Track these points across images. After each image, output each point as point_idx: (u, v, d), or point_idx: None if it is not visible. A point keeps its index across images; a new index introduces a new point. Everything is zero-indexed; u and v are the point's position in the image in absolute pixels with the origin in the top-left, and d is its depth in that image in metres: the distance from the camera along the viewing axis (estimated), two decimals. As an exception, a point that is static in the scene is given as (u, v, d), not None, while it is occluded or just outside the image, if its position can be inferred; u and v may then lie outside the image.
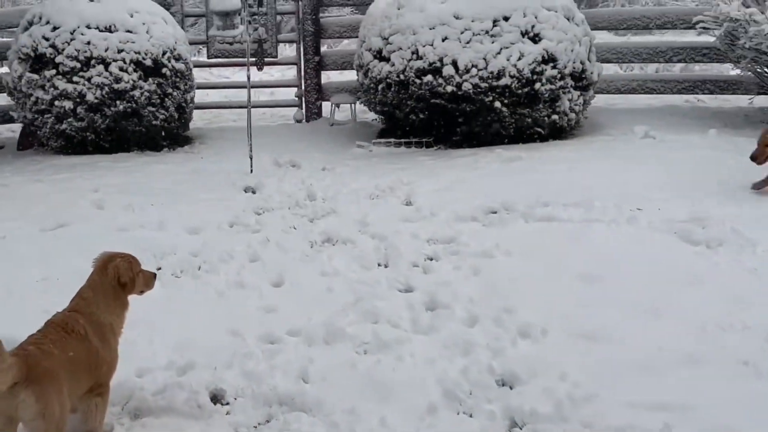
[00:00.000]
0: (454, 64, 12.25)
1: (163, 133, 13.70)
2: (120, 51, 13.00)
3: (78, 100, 12.85)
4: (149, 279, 5.29)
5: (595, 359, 5.46)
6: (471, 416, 5.02)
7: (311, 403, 5.19)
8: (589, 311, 6.16)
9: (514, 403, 5.03)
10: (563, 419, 4.83)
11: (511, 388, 5.29)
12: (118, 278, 4.94)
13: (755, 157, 8.67)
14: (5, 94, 14.14)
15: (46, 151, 13.63)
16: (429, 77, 12.40)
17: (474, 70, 12.18)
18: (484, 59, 12.18)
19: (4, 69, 15.02)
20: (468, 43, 12.28)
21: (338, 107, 15.90)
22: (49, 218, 9.04)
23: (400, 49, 12.67)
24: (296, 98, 16.55)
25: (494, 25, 12.31)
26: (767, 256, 6.85)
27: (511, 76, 12.16)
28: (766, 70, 13.39)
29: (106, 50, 12.91)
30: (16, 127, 15.08)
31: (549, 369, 5.38)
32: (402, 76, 12.67)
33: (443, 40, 12.34)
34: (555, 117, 12.64)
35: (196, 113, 15.47)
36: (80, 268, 7.50)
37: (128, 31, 13.15)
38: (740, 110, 14.86)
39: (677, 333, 5.70)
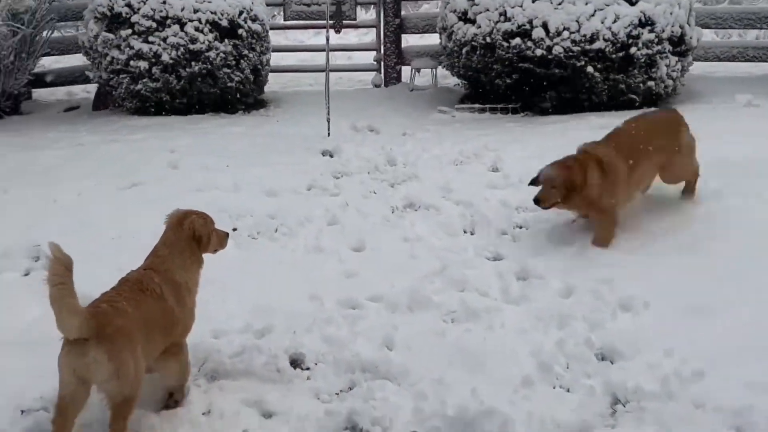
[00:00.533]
0: (545, 26, 11.87)
1: (238, 96, 13.65)
2: (196, 11, 12.97)
3: (153, 60, 12.87)
4: (222, 238, 5.19)
5: (705, 335, 5.16)
6: (569, 391, 4.79)
7: (396, 372, 5.03)
8: (696, 284, 5.82)
9: (616, 379, 4.79)
10: (670, 397, 4.57)
11: (611, 362, 5.04)
12: (194, 234, 4.84)
13: (539, 201, 6.80)
14: (81, 54, 14.24)
15: (121, 111, 13.72)
16: (517, 40, 12.05)
17: (566, 33, 11.78)
18: (577, 21, 11.77)
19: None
20: (560, 4, 11.88)
21: (419, 72, 15.63)
22: (124, 177, 9.06)
23: (487, 10, 12.33)
24: (375, 62, 16.33)
25: (588, -14, 11.90)
26: None
27: (605, 40, 11.72)
28: None
29: (182, 10, 12.90)
30: (92, 88, 15.23)
31: (653, 344, 5.11)
32: (488, 39, 12.32)
33: (533, 1, 11.97)
34: (651, 83, 12.16)
35: (271, 77, 15.38)
36: (154, 228, 7.47)
37: (204, -9, 13.13)
38: None
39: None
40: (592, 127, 10.82)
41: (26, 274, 6.71)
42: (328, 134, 11.26)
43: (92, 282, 6.20)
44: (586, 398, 4.65)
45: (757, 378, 4.60)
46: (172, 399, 4.76)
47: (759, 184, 7.47)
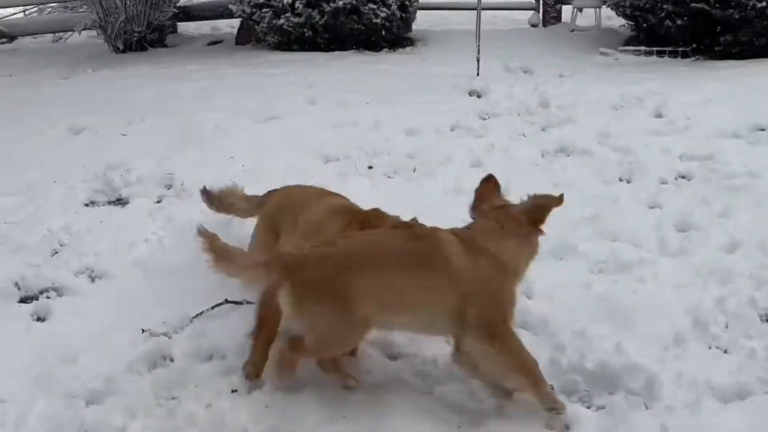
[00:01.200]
0: (723, -39, 11.26)
1: (383, 33, 13.62)
2: (338, -60, 12.98)
3: (297, -6, 13.01)
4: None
5: None
6: (726, 352, 4.51)
7: (534, 321, 4.86)
8: None
9: (781, 345, 4.47)
10: None
11: (781, 327, 4.71)
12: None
13: None
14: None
15: (263, 46, 13.96)
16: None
17: (747, -31, 11.14)
18: (762, -46, 11.10)
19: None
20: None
21: (581, 11, 15.18)
22: (260, 111, 9.21)
23: (659, -59, 11.80)
24: (533, 1, 15.96)
25: None
26: None
27: (792, -23, 11.03)
28: None
29: (326, -60, 12.94)
30: (235, 23, 15.58)
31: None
32: (664, -23, 11.82)
33: (713, -68, 11.36)
34: None
35: (420, 15, 15.29)
36: (288, 161, 7.66)
37: None
38: None
39: None
40: (773, 73, 10.28)
41: (158, 201, 6.91)
42: (477, 74, 11.09)
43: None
44: (746, 360, 4.37)
45: None
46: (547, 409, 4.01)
47: None
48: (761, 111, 8.40)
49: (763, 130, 7.99)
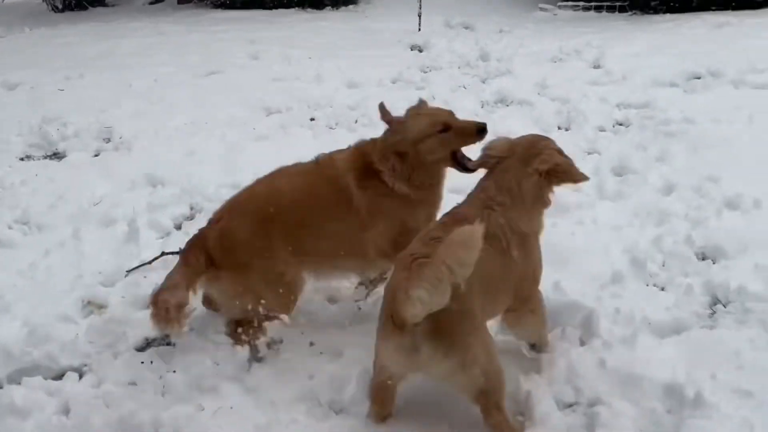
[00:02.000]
0: None
1: (327, -9, 13.35)
2: None
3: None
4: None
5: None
6: (663, 290, 4.44)
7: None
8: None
9: (717, 279, 4.41)
10: (782, 300, 4.19)
11: (713, 262, 4.65)
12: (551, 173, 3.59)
13: None
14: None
15: (206, 5, 13.63)
16: (628, -70, 11.40)
17: None
18: None
19: None
20: None
21: (520, -31, 15.04)
22: (202, 66, 8.98)
23: None
24: (474, -41, 15.77)
25: None
26: None
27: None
28: None
29: None
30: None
31: (762, 244, 4.69)
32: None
33: None
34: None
35: (363, -27, 15.02)
36: (229, 114, 7.46)
37: None
38: None
39: None
40: (707, 25, 10.28)
41: (96, 155, 6.67)
42: (419, 29, 10.96)
43: (163, 164, 6.23)
44: (684, 297, 4.30)
45: None
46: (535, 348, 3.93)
47: None
48: (696, 60, 8.37)
49: (699, 78, 7.95)
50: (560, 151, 3.70)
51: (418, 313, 2.98)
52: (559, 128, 7.04)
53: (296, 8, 13.12)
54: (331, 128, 7.16)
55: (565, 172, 3.60)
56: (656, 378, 3.62)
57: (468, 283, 3.06)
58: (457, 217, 3.50)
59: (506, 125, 7.00)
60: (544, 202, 3.66)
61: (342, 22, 11.93)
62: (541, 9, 12.70)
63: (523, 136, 3.78)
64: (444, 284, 2.93)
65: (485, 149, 3.75)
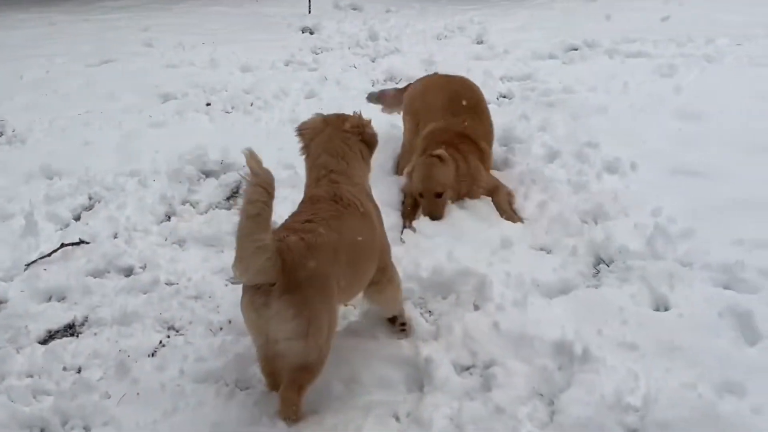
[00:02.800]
0: None
1: (218, -24, 13.02)
2: None
3: (127, -63, 12.28)
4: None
5: (693, 195, 4.84)
6: (550, 252, 4.51)
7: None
8: (685, 147, 5.51)
9: (599, 239, 4.50)
10: (657, 256, 4.29)
11: (595, 223, 4.74)
12: (365, 135, 3.81)
13: (439, 216, 4.92)
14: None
15: (96, -7, 13.16)
16: None
17: None
18: None
19: None
20: None
21: (405, -49, 15.00)
22: (95, 55, 8.67)
23: None
24: (359, -58, 15.65)
25: None
26: None
27: None
28: None
29: None
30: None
31: (639, 204, 4.80)
32: None
33: None
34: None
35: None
36: (124, 102, 7.23)
37: None
38: None
39: (789, 169, 5.04)
40: (582, -1, 10.45)
41: (-11, 149, 6.38)
42: (309, 12, 10.84)
43: (59, 154, 5.99)
44: (569, 258, 4.38)
45: (747, 234, 4.32)
46: (399, 324, 3.87)
47: (747, 47, 7.13)
48: (573, 33, 8.51)
49: (576, 49, 8.09)
50: (357, 116, 3.86)
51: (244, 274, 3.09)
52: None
53: (189, -5, 12.76)
54: (227, 112, 7.03)
55: (372, 133, 3.83)
56: (547, 337, 3.68)
57: (326, 253, 3.22)
58: (314, 199, 3.55)
59: (397, 102, 7.01)
60: (367, 166, 3.82)
61: (234, 8, 11.70)
62: (426, -12, 12.69)
63: (321, 115, 3.89)
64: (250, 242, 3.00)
65: (300, 129, 3.87)
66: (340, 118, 3.82)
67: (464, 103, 5.49)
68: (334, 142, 3.72)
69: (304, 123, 3.87)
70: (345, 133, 3.75)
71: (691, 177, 5.07)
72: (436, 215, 4.87)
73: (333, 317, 3.31)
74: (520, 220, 4.88)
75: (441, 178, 4.90)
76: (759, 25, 8.14)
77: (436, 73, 6.27)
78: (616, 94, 6.67)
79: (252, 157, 3.00)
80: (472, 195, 5.10)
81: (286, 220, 3.50)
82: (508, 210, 4.99)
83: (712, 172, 5.11)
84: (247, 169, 2.97)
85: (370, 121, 3.87)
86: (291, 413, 3.27)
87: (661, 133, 5.77)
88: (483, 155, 5.31)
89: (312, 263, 3.16)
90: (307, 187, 3.70)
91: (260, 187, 2.97)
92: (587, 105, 6.45)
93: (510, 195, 5.11)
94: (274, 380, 3.41)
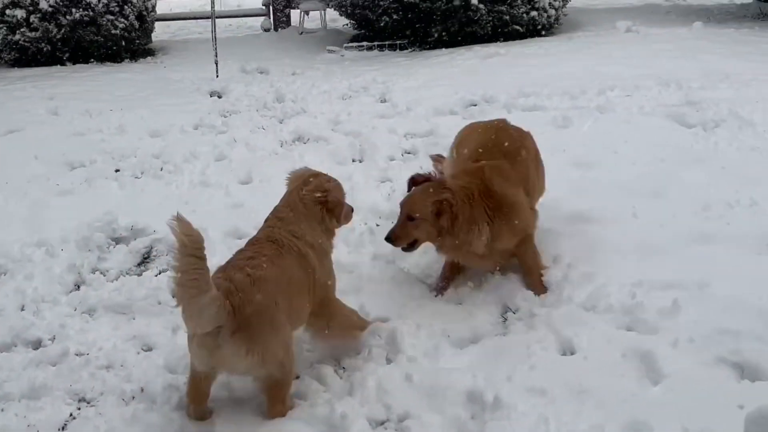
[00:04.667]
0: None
1: (123, 44, 12.87)
2: (74, -45, 12.15)
3: (31, 8, 12.05)
4: (348, 212, 4.19)
5: (591, 241, 4.93)
6: (460, 303, 4.53)
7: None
8: (581, 195, 5.62)
9: (506, 288, 4.55)
10: (561, 302, 4.36)
11: (501, 273, 4.77)
12: (322, 200, 3.96)
13: (394, 239, 4.48)
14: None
15: (1, 64, 12.85)
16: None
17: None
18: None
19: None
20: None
21: (307, 14, 15.15)
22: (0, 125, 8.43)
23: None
24: (263, 7, 15.75)
25: None
26: (768, 135, 6.34)
27: (487, -28, 11.50)
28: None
29: (58, -46, 12.07)
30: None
31: (540, 252, 4.84)
32: (374, -25, 11.97)
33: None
34: (534, 13, 12.01)
35: (159, 26, 14.72)
36: (33, 172, 7.03)
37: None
38: (722, 7, 14.34)
39: (680, 212, 5.18)
40: (478, 57, 10.71)
41: None
42: (217, 76, 10.80)
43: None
44: (477, 308, 4.41)
45: (645, 276, 4.43)
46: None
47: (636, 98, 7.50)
48: (472, 89, 8.67)
49: (475, 105, 8.23)
50: (329, 181, 4.12)
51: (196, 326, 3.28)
52: (353, 160, 7.09)
53: (94, 62, 12.57)
54: (137, 177, 6.90)
55: (334, 200, 4.01)
56: (458, 386, 3.69)
57: (270, 284, 3.48)
58: (254, 240, 3.91)
59: (305, 161, 6.99)
60: (327, 228, 4.03)
61: (141, 74, 11.57)
62: (329, 51, 12.85)
63: (305, 170, 4.23)
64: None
65: (288, 178, 4.18)
66: (305, 180, 4.06)
67: (501, 148, 4.79)
68: (293, 196, 4.01)
69: (290, 174, 4.22)
70: (301, 193, 3.98)
71: (588, 223, 5.17)
72: (395, 239, 4.39)
73: (285, 337, 3.55)
74: (544, 291, 4.49)
75: (422, 203, 4.37)
76: (646, 77, 8.43)
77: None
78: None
79: (180, 224, 3.13)
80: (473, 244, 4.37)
81: (230, 259, 3.73)
82: (533, 276, 4.56)
83: (608, 217, 5.23)
84: (173, 239, 3.09)
85: (335, 188, 4.09)
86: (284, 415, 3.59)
87: (559, 182, 5.84)
88: (495, 199, 4.44)
89: (258, 296, 3.39)
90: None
91: (192, 257, 3.13)
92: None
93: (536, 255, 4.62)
94: (195, 396, 3.62)
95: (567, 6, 12.96)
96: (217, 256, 5.20)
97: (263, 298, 3.41)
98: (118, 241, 5.62)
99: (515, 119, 7.48)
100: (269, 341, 3.42)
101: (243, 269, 3.49)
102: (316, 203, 3.95)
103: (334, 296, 4.07)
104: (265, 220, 4.01)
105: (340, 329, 4.03)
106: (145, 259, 5.39)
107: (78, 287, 5.01)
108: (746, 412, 2.85)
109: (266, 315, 3.42)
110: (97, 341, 4.35)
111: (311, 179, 4.05)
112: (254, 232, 5.46)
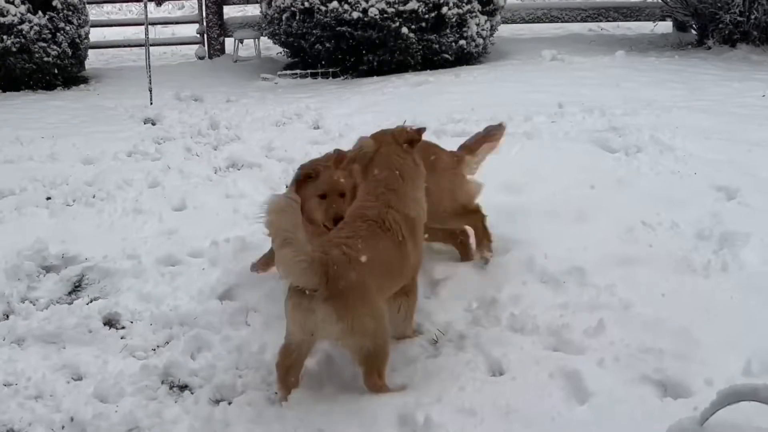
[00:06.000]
0: (360, -12, 11.65)
1: (56, 71, 12.69)
2: (4, -19, 11.93)
3: (-40, 35, 11.80)
4: None
5: (519, 263, 4.99)
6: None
7: (217, 322, 4.63)
8: (510, 219, 5.63)
9: (436, 312, 4.56)
10: (489, 323, 4.39)
11: (428, 298, 4.78)
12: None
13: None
14: None
15: (-74, 93, 12.52)
16: (335, 3, 11.80)
17: (380, -5, 11.61)
18: (390, -17, 11.62)
19: None
20: (372, -33, 11.69)
21: (242, 43, 15.11)
22: None
23: (305, -26, 12.00)
24: (198, 35, 15.68)
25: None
26: (688, 160, 6.47)
27: (418, 1, 11.62)
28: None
29: (-12, -20, 11.84)
30: None
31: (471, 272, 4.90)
32: (307, 4, 12.03)
33: (347, -35, 11.72)
34: (462, 42, 12.20)
35: (92, 54, 14.55)
36: None
37: (13, -40, 12.07)
38: (644, 36, 14.75)
39: (604, 235, 5.26)
40: (409, 84, 10.83)
41: None
42: (151, 103, 10.70)
43: None
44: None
45: (571, 298, 4.49)
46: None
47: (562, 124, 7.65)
48: (402, 115, 8.61)
49: (404, 132, 8.26)
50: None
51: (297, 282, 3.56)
52: (286, 186, 7.02)
53: (26, 90, 12.33)
54: (68, 205, 6.75)
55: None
56: (390, 408, 3.66)
57: (365, 266, 3.68)
58: (362, 217, 3.98)
59: (239, 188, 6.98)
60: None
61: (74, 101, 11.41)
62: (263, 78, 12.84)
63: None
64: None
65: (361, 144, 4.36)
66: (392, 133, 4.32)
67: None
68: (392, 158, 4.17)
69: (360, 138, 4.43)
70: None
71: (516, 247, 5.22)
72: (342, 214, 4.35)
73: (378, 311, 3.76)
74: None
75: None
76: (570, 104, 8.58)
77: None
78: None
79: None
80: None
81: (331, 233, 4.02)
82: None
83: (536, 241, 5.29)
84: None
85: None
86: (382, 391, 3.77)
87: (487, 208, 5.92)
88: None
89: (352, 274, 3.63)
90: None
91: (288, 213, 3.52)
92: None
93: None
94: (286, 375, 3.80)
95: (494, 35, 13.20)
96: (149, 283, 5.19)
97: (357, 277, 3.64)
98: (48, 269, 5.46)
99: (445, 144, 7.62)
100: (359, 311, 3.63)
101: (340, 246, 3.72)
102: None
103: (416, 279, 4.29)
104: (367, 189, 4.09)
105: (411, 311, 4.26)
106: (76, 288, 5.25)
107: (7, 317, 4.86)
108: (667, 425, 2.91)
109: (358, 291, 3.65)
110: (26, 371, 4.22)
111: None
112: (188, 259, 5.49)
